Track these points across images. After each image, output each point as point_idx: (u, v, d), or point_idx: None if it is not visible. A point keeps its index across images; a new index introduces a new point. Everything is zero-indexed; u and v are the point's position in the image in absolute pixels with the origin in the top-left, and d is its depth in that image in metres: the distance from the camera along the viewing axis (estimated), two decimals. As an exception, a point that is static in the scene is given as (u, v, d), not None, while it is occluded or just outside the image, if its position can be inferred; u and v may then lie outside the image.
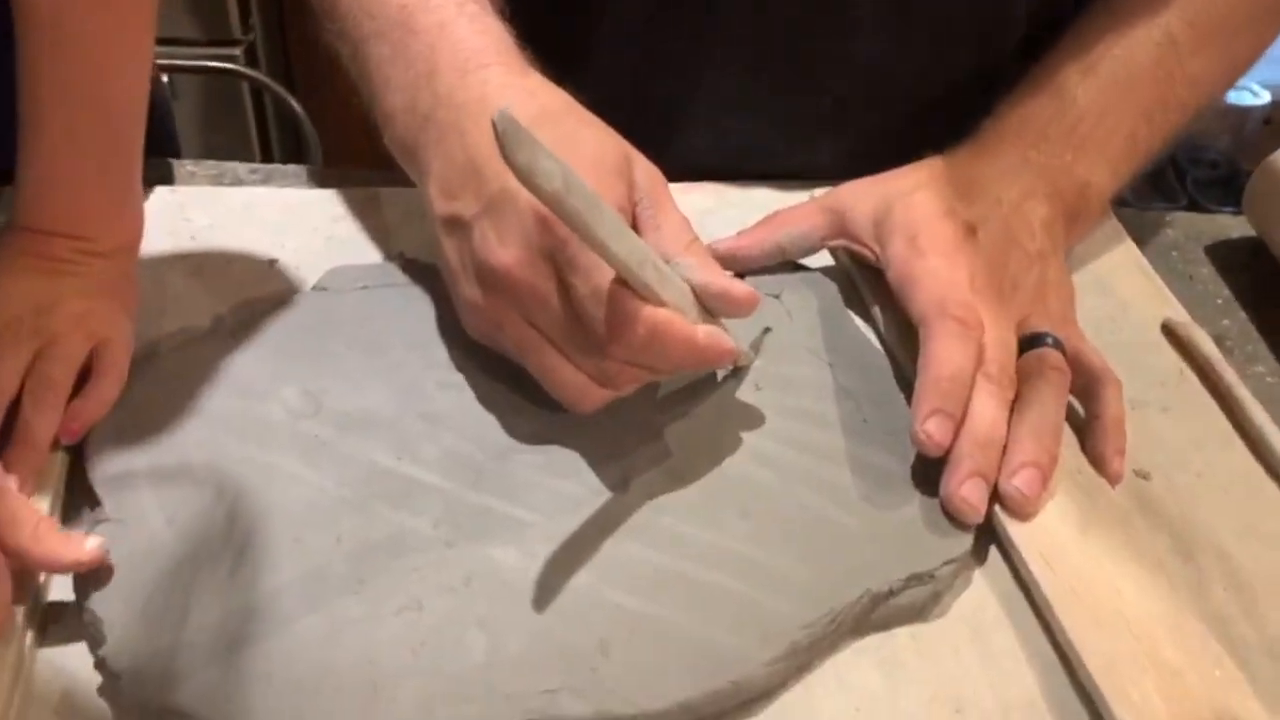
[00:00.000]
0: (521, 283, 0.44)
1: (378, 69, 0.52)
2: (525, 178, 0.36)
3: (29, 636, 0.39)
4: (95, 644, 0.38)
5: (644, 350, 0.42)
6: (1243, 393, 0.52)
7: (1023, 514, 0.45)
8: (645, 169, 0.48)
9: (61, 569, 0.40)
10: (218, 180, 0.66)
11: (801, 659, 0.40)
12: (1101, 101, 0.56)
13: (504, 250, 0.45)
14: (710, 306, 0.45)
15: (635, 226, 0.46)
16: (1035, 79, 0.58)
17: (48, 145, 0.49)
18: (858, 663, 0.41)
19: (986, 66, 0.64)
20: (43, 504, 0.43)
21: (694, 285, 0.44)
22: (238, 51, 1.55)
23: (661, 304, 0.42)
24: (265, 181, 0.66)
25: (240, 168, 0.68)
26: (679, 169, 0.53)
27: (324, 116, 1.28)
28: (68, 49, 0.48)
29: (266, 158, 1.68)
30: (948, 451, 0.45)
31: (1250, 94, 2.39)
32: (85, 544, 0.40)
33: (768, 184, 0.65)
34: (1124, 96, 0.56)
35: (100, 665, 0.38)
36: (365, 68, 0.53)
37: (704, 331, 0.43)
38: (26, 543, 0.39)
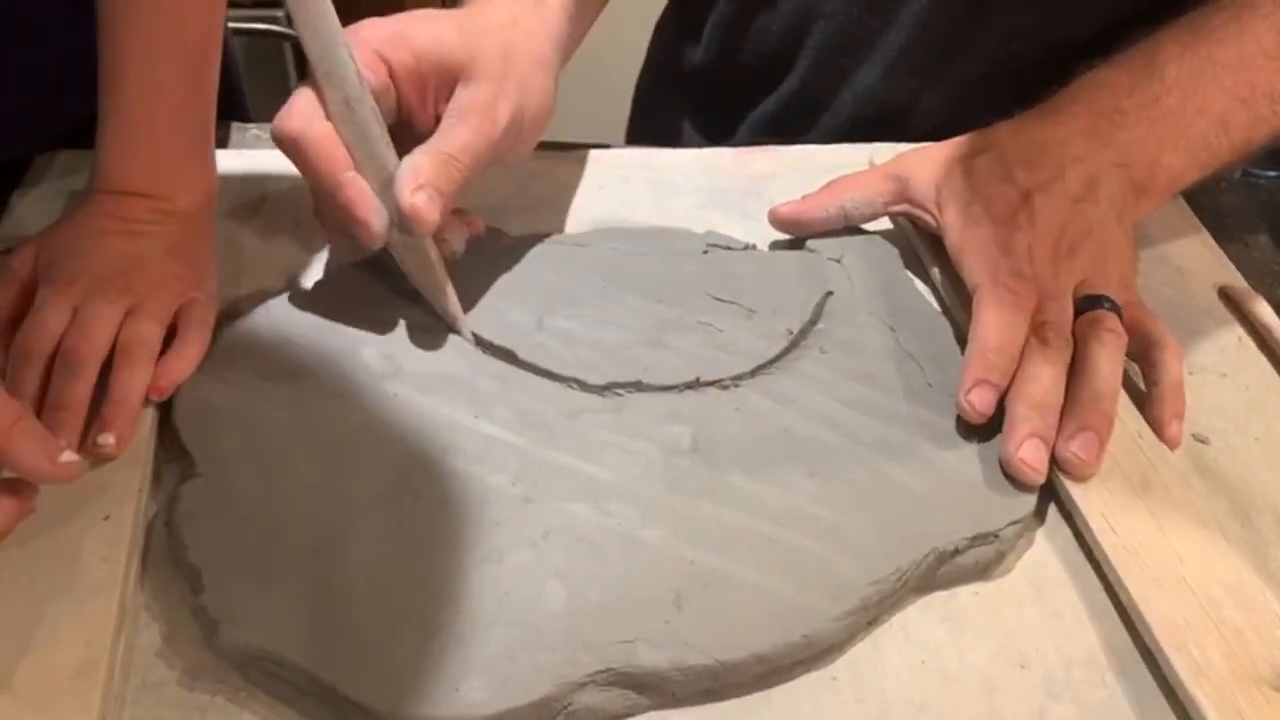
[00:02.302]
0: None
1: None
2: None
3: (130, 581, 0.41)
4: (194, 591, 0.40)
5: (289, 147, 0.47)
6: (1300, 359, 0.53)
7: (1080, 477, 0.45)
8: (477, 93, 0.49)
9: (29, 472, 0.39)
10: (283, 144, 0.68)
11: (870, 614, 0.41)
12: (1194, 79, 0.54)
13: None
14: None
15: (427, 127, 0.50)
16: (1131, 50, 0.56)
17: (128, 99, 0.51)
18: (924, 619, 0.42)
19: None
20: (137, 458, 0.45)
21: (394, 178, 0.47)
22: (279, 13, 1.56)
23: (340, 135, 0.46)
24: (331, 145, 0.67)
25: (305, 131, 0.69)
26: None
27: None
28: (151, 2, 0.50)
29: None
30: (1000, 415, 0.46)
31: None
32: (60, 456, 0.39)
33: (830, 145, 0.66)
34: (1222, 77, 0.54)
35: (198, 613, 0.40)
36: None
37: (347, 176, 0.47)
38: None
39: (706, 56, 0.78)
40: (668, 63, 0.84)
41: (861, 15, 0.69)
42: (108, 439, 0.44)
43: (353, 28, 0.49)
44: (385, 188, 0.47)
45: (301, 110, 0.47)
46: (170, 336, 0.48)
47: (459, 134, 0.49)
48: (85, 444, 0.44)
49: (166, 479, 0.45)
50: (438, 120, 0.50)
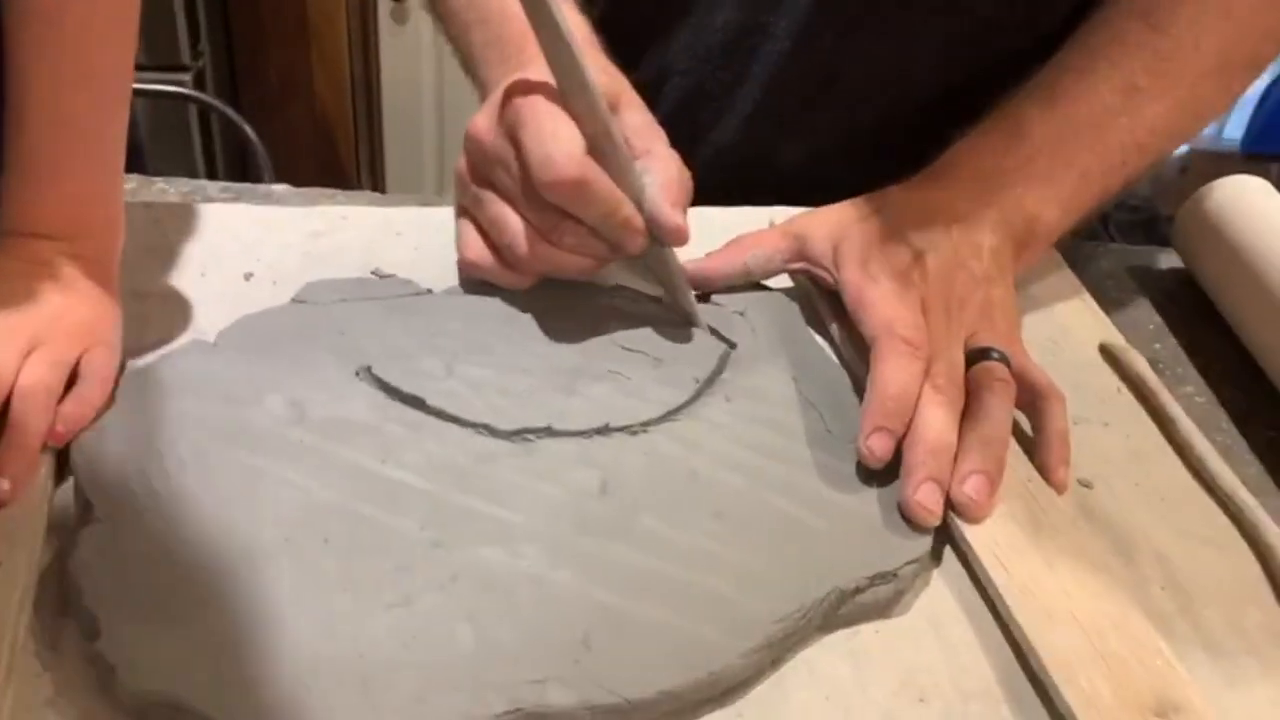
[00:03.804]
0: (485, 143, 0.54)
1: (480, 51, 0.65)
2: None
3: (20, 630, 0.40)
4: (89, 637, 0.39)
5: (573, 192, 0.51)
6: (1175, 410, 0.56)
7: (973, 518, 0.47)
8: (642, 117, 0.56)
9: None
10: (189, 197, 0.68)
11: (775, 651, 0.42)
12: (1057, 139, 0.59)
13: (479, 118, 0.55)
14: (649, 219, 0.53)
15: (629, 153, 0.54)
16: (995, 115, 0.61)
17: (34, 135, 0.50)
18: (827, 656, 0.43)
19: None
20: (32, 504, 0.44)
21: (645, 195, 0.53)
22: (187, 77, 1.55)
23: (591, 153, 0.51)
24: (237, 199, 0.67)
25: (210, 186, 0.69)
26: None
27: (271, 140, 1.29)
28: (57, 32, 0.50)
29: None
30: (899, 460, 0.48)
31: (1168, 143, 2.49)
32: None
33: (730, 208, 0.68)
34: (1081, 136, 0.59)
35: (95, 659, 0.39)
36: (469, 51, 0.66)
37: (622, 194, 0.52)
38: None
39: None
40: None
41: (714, 71, 0.73)
42: (2, 484, 0.43)
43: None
44: (638, 204, 0.53)
45: (572, 154, 0.50)
46: (72, 382, 0.48)
47: (667, 152, 0.55)
48: (-21, 488, 0.43)
49: (62, 526, 0.44)
50: None
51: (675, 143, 0.74)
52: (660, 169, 0.54)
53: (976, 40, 0.69)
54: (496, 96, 0.54)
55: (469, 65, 0.67)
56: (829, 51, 0.69)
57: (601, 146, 0.52)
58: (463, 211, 0.59)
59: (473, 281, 0.58)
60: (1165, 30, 0.60)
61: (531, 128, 0.51)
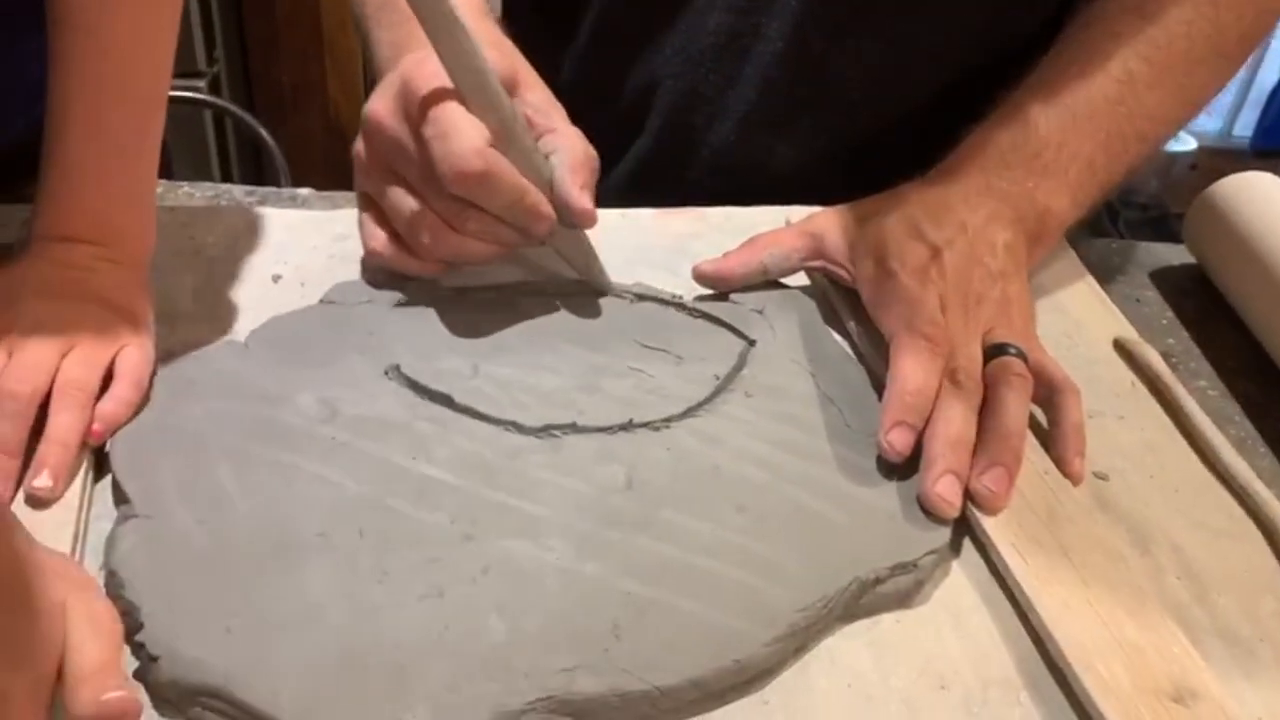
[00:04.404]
0: (378, 125, 0.54)
1: (373, 10, 0.64)
2: None
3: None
4: (131, 629, 0.40)
5: (477, 184, 0.51)
6: (1189, 403, 0.56)
7: (992, 509, 0.48)
8: (542, 94, 0.57)
9: None
10: (215, 201, 0.69)
11: (798, 640, 0.43)
12: (1062, 132, 0.60)
13: (377, 101, 0.54)
14: (555, 203, 0.54)
15: (532, 131, 0.55)
16: (1000, 110, 0.62)
17: (73, 143, 0.52)
18: (849, 645, 0.44)
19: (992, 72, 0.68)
20: (72, 501, 0.45)
21: (553, 177, 0.54)
22: (202, 84, 1.57)
23: (494, 144, 0.51)
24: (262, 203, 0.69)
25: (236, 189, 0.70)
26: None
27: (285, 143, 1.30)
28: (99, 44, 0.51)
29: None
30: (918, 454, 0.49)
31: (1178, 140, 2.51)
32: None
33: (747, 207, 0.69)
34: (1083, 127, 0.60)
35: (137, 650, 0.40)
36: (362, 8, 0.66)
37: (526, 182, 0.52)
38: None
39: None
40: None
41: (707, 74, 0.73)
42: (45, 481, 0.44)
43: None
44: (544, 190, 0.53)
45: (474, 147, 0.50)
46: (107, 382, 0.49)
47: (567, 129, 0.55)
48: (21, 486, 0.44)
49: (103, 522, 0.45)
50: None
51: (670, 146, 0.75)
52: (565, 148, 0.55)
53: (967, 42, 0.70)
54: (396, 80, 0.54)
55: (359, 21, 0.67)
56: (821, 53, 0.70)
57: (504, 135, 0.52)
58: (365, 200, 0.59)
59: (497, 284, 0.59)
60: (1157, 20, 0.62)
61: (432, 121, 0.51)
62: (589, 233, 0.57)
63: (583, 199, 0.54)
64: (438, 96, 0.52)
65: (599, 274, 0.59)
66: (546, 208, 0.53)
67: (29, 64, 0.62)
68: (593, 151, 0.56)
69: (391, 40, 0.61)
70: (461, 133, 0.51)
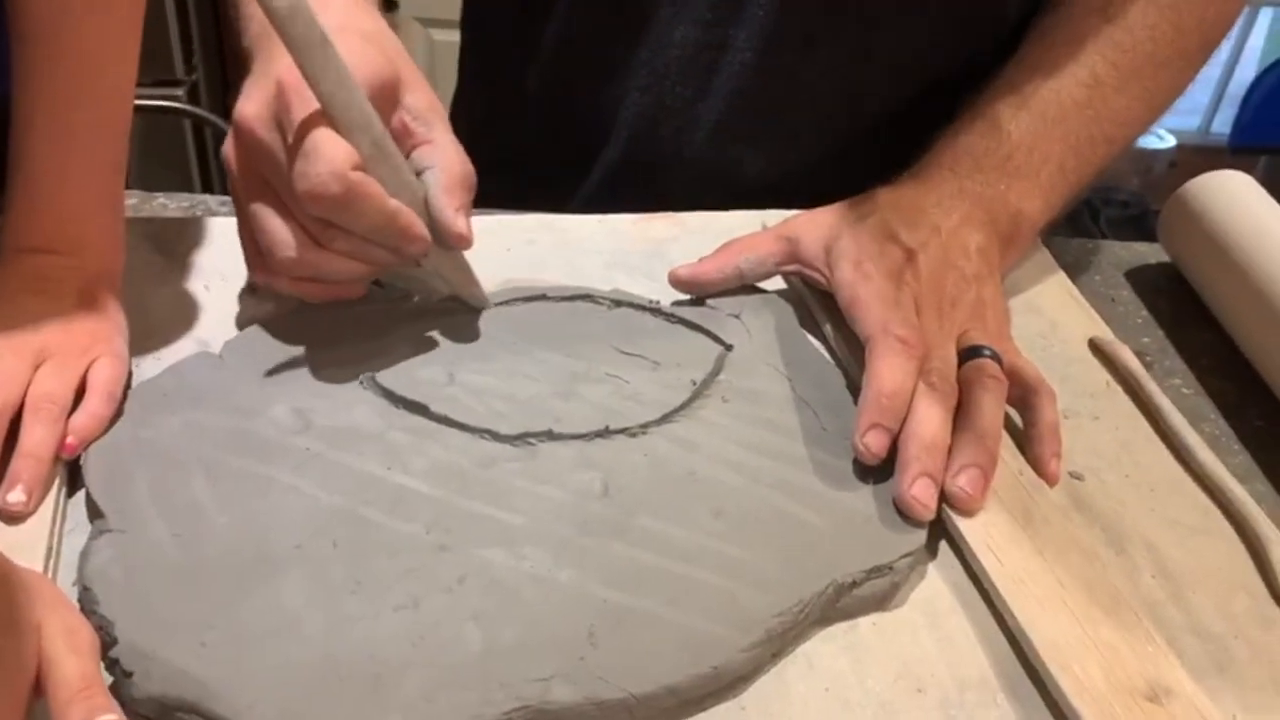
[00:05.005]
0: (249, 133, 0.50)
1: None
2: None
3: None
4: (106, 645, 0.40)
5: (336, 206, 0.47)
6: (1163, 402, 0.57)
7: (967, 511, 0.48)
8: (424, 97, 0.53)
9: None
10: (190, 211, 0.68)
11: (775, 645, 0.43)
12: (1032, 135, 0.61)
13: (249, 105, 0.51)
14: (432, 224, 0.51)
15: (407, 142, 0.52)
16: (970, 114, 0.62)
17: (38, 150, 0.51)
18: (826, 648, 0.44)
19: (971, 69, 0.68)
20: (45, 515, 0.45)
21: (428, 197, 0.51)
22: (180, 92, 1.56)
23: (364, 170, 0.48)
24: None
25: (211, 200, 0.70)
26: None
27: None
28: (61, 56, 0.51)
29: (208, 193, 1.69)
30: (893, 456, 0.49)
31: (1157, 138, 2.53)
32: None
33: (724, 212, 0.69)
34: (1053, 130, 0.61)
35: (111, 666, 0.40)
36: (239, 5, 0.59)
37: (394, 204, 0.49)
38: None
39: (525, 137, 0.81)
40: (484, 141, 0.86)
41: (674, 87, 0.73)
42: (19, 495, 0.44)
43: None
44: (419, 208, 0.51)
45: (335, 171, 0.47)
46: (80, 394, 0.48)
47: (447, 140, 0.53)
48: (-6, 501, 0.44)
49: (76, 536, 0.45)
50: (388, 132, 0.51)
51: (638, 157, 0.75)
52: (441, 166, 0.52)
53: (933, 50, 0.70)
54: (270, 83, 0.50)
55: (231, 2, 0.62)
56: (790, 64, 0.70)
57: (374, 156, 0.49)
58: (240, 214, 0.54)
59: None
60: (1121, 23, 0.63)
61: (298, 136, 0.48)
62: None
63: (458, 221, 0.51)
64: (308, 107, 0.48)
65: (477, 293, 0.57)
66: (419, 228, 0.50)
67: None
68: (470, 168, 0.53)
69: (264, 36, 0.54)
70: (322, 153, 0.47)
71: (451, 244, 0.52)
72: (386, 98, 0.51)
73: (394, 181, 0.50)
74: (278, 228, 0.50)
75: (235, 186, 0.53)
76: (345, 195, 0.47)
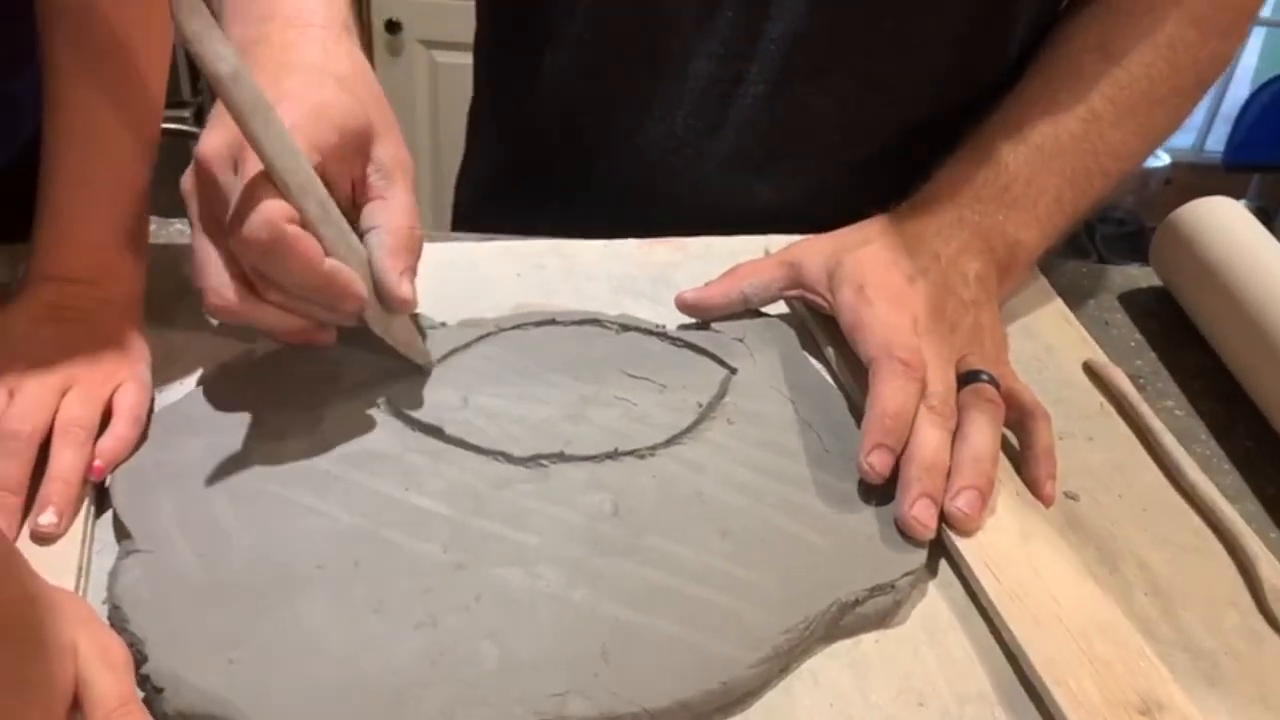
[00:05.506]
0: (207, 171, 0.49)
1: (230, 6, 0.56)
2: (194, 48, 0.41)
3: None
4: (137, 663, 0.42)
5: (265, 255, 0.46)
6: (1156, 424, 0.58)
7: (965, 531, 0.50)
8: (391, 150, 0.52)
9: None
10: (206, 237, 0.70)
11: (782, 662, 0.44)
12: (1030, 167, 0.62)
13: (213, 138, 0.49)
14: (376, 287, 0.50)
15: (364, 195, 0.51)
16: (971, 146, 0.64)
17: (66, 186, 0.53)
18: (830, 665, 0.46)
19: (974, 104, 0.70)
20: (74, 537, 0.46)
21: (371, 260, 0.50)
22: (187, 114, 1.58)
23: (309, 231, 0.46)
24: (252, 238, 0.70)
25: (226, 225, 0.71)
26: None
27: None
28: (92, 86, 0.53)
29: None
30: (894, 477, 0.51)
31: (1153, 157, 2.54)
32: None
33: (727, 237, 0.71)
34: (1050, 163, 0.62)
35: (142, 682, 0.41)
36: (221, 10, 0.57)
37: (331, 263, 0.47)
38: None
39: (536, 161, 0.82)
40: (495, 164, 0.87)
41: (686, 119, 0.74)
42: (50, 518, 0.45)
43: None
44: (361, 268, 0.49)
45: (268, 215, 0.45)
46: (106, 419, 0.50)
47: (401, 199, 0.51)
48: (26, 524, 0.45)
49: (104, 557, 0.47)
50: (352, 181, 0.51)
51: (649, 185, 0.76)
52: (388, 225, 0.50)
53: (938, 81, 0.72)
54: (234, 125, 0.47)
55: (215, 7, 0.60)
56: (801, 95, 0.72)
57: (321, 217, 0.47)
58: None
59: (483, 318, 0.60)
60: (1119, 61, 0.64)
61: (246, 186, 0.46)
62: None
63: (401, 285, 0.50)
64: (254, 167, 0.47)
65: (420, 353, 0.56)
66: (356, 287, 0.48)
67: (15, 102, 0.64)
68: (417, 230, 0.51)
69: (241, 37, 0.54)
70: (260, 201, 0.45)
71: (396, 308, 0.51)
72: (356, 147, 0.51)
73: (341, 244, 0.48)
74: (218, 271, 0.49)
75: (191, 220, 0.51)
76: (274, 244, 0.45)
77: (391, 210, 0.51)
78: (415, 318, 0.59)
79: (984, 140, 0.64)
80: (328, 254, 0.47)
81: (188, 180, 0.50)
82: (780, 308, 0.64)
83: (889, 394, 0.52)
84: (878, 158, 0.74)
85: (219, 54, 0.42)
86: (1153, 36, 0.64)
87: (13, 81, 0.66)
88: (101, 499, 0.49)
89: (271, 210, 0.45)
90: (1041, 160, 0.62)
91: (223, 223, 0.48)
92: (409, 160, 0.53)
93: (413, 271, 0.51)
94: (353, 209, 0.51)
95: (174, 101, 1.57)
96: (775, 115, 0.72)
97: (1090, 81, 0.64)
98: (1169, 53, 0.64)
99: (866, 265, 0.59)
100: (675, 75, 0.73)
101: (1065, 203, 0.63)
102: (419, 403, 0.54)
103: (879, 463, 0.50)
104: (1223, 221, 0.68)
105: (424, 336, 0.58)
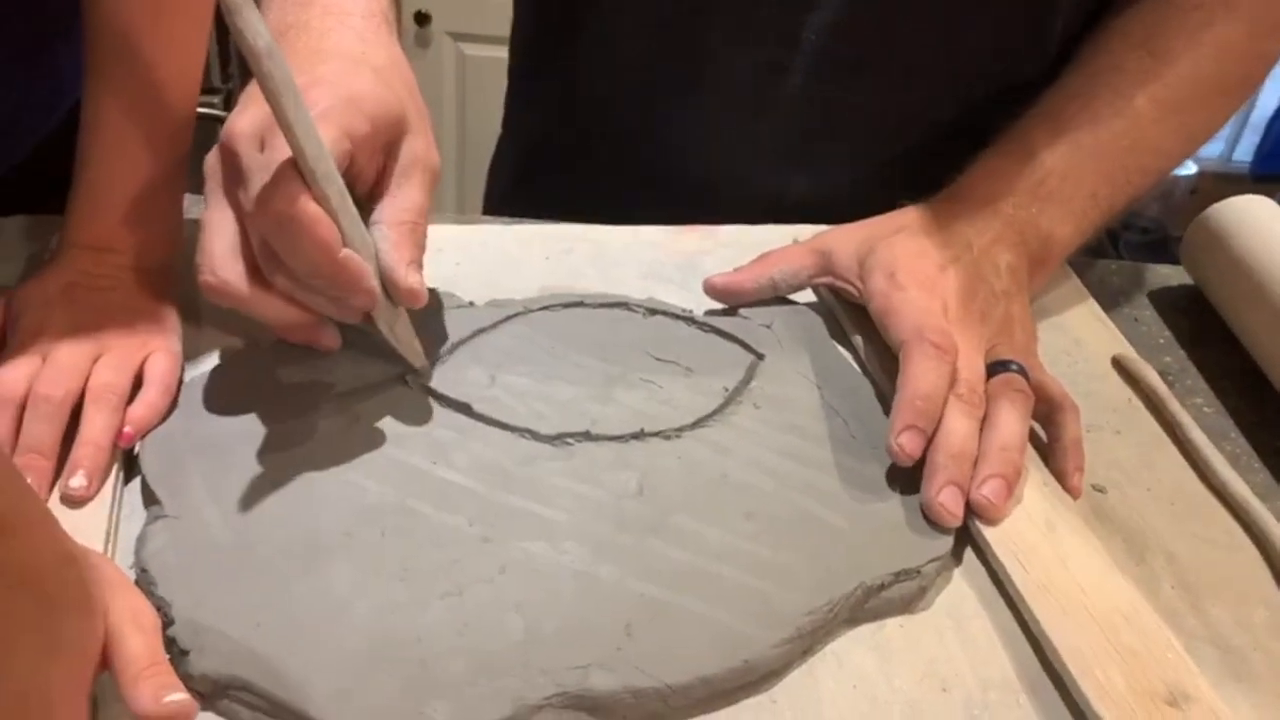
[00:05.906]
0: (233, 148, 0.48)
1: None
2: (233, 19, 0.41)
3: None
4: (164, 625, 0.42)
5: (281, 229, 0.45)
6: (1185, 419, 0.58)
7: (991, 520, 0.50)
8: (420, 146, 0.51)
9: None
10: (237, 214, 0.70)
11: (805, 643, 0.44)
12: (1066, 162, 0.61)
13: (242, 119, 0.48)
14: (384, 279, 0.49)
15: (379, 188, 0.50)
16: (1007, 139, 0.64)
17: (104, 157, 0.53)
18: (854, 648, 0.45)
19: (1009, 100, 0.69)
20: (103, 501, 0.47)
21: (378, 253, 0.49)
22: (217, 100, 1.59)
23: (327, 213, 0.45)
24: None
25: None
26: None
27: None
28: (134, 58, 0.53)
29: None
30: (922, 462, 0.51)
31: (1179, 166, 2.52)
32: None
33: (756, 225, 0.71)
34: (1087, 160, 0.62)
35: (168, 645, 0.41)
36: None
37: (346, 252, 0.46)
38: None
39: (571, 150, 0.82)
40: (530, 152, 0.87)
41: (727, 112, 0.74)
42: (80, 480, 0.46)
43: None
44: (371, 264, 0.48)
45: (296, 188, 0.45)
46: (136, 386, 0.50)
47: (411, 196, 0.50)
48: (56, 487, 0.46)
49: (131, 522, 0.47)
50: (376, 173, 0.51)
51: (687, 176, 0.76)
52: (390, 219, 0.49)
53: (977, 72, 0.71)
54: (265, 105, 0.45)
55: None
56: (840, 88, 0.72)
57: (341, 208, 0.47)
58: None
59: (513, 299, 0.60)
60: (1163, 58, 0.63)
61: (277, 163, 0.45)
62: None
63: (410, 276, 0.48)
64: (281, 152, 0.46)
65: (418, 355, 0.54)
66: (369, 282, 0.47)
67: (58, 71, 0.65)
68: (423, 226, 0.50)
69: (279, 22, 0.54)
70: (286, 176, 0.45)
71: (403, 300, 0.49)
72: (387, 139, 0.50)
73: (356, 237, 0.48)
74: (224, 249, 0.48)
75: (207, 196, 0.50)
76: (293, 218, 0.44)
77: (398, 205, 0.50)
78: (435, 294, 0.59)
79: (1021, 133, 0.63)
80: (344, 244, 0.47)
81: (212, 157, 0.50)
82: (808, 295, 0.64)
83: (920, 375, 0.52)
84: (915, 152, 0.73)
85: (257, 29, 0.42)
86: (1200, 34, 0.63)
87: (54, 52, 0.67)
88: (130, 465, 0.49)
89: (295, 185, 0.45)
90: (1079, 156, 0.62)
91: (240, 201, 0.47)
92: (435, 159, 0.52)
93: (419, 265, 0.50)
94: (369, 202, 0.51)
95: (204, 88, 1.57)
96: (814, 107, 0.72)
97: (1133, 78, 0.63)
98: (1215, 51, 0.63)
99: (898, 252, 0.58)
100: (715, 65, 0.73)
101: (1101, 199, 0.62)
102: (447, 380, 0.54)
103: (909, 444, 0.50)
104: (1256, 220, 0.68)
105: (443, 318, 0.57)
